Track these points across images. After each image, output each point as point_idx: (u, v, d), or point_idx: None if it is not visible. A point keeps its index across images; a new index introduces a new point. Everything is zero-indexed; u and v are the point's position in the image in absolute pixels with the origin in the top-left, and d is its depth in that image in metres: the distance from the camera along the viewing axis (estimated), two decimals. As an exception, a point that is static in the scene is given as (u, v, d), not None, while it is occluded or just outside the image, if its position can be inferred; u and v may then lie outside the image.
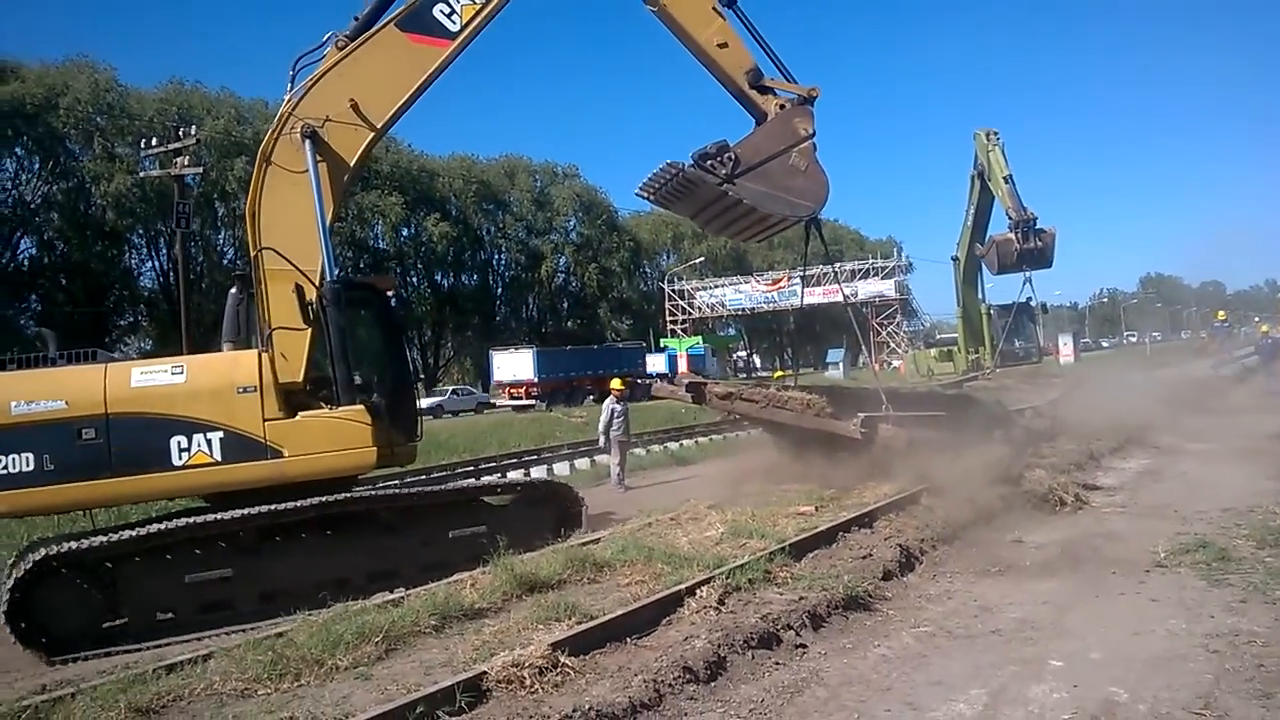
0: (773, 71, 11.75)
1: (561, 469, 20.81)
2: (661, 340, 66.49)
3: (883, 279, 65.35)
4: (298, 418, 9.28)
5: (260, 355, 9.40)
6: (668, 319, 70.93)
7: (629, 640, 6.29)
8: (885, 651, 6.46)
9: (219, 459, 8.96)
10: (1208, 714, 5.04)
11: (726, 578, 7.30)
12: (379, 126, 10.26)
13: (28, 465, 8.56)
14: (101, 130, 46.13)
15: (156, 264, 54.23)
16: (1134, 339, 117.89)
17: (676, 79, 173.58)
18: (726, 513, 10.07)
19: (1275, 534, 8.79)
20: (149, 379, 9.06)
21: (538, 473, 19.62)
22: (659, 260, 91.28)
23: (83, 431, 8.69)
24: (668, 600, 6.91)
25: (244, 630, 7.67)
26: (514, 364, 48.55)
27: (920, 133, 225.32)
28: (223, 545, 8.83)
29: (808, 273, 69.07)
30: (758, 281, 71.75)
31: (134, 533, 8.55)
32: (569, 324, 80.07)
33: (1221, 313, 45.70)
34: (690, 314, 70.66)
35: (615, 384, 19.17)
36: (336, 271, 9.99)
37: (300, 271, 9.50)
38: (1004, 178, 23.31)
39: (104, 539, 8.48)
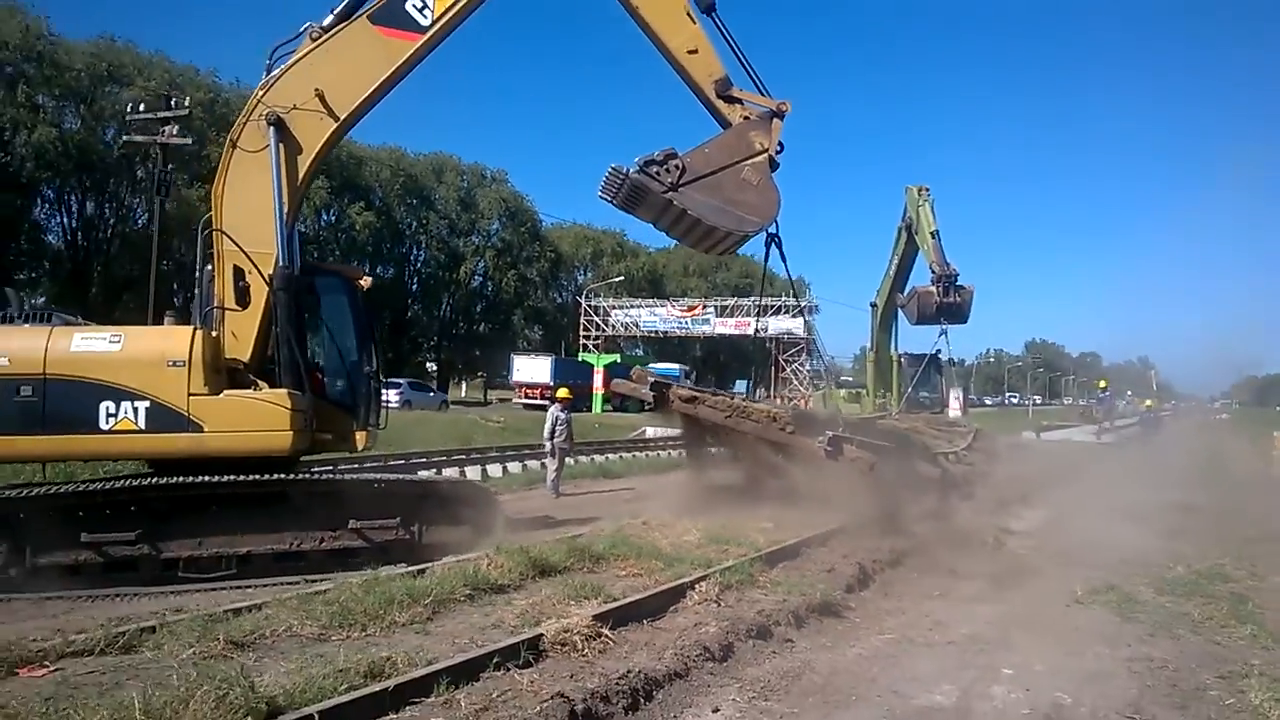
0: (746, 83, 11.82)
1: (494, 470, 21.36)
2: (580, 354, 67.32)
3: (791, 317, 67.31)
4: (222, 395, 9.65)
5: (195, 331, 9.80)
6: (581, 333, 71.59)
7: (646, 622, 7.13)
8: (861, 651, 7.45)
9: (143, 427, 9.36)
10: (1138, 717, 6.14)
11: (720, 576, 8.21)
12: (343, 117, 10.55)
13: None
14: (27, 79, 44.42)
15: (65, 221, 52.38)
16: (1015, 400, 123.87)
17: (616, 93, 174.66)
18: (698, 521, 10.93)
19: (1170, 584, 10.17)
20: (87, 345, 9.51)
21: (472, 473, 20.18)
22: (575, 274, 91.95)
23: (20, 388, 9.16)
24: (674, 591, 7.79)
25: (150, 593, 8.68)
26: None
27: (830, 182, 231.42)
28: (132, 510, 9.27)
29: (721, 303, 71.37)
30: (673, 306, 73.12)
31: (42, 490, 9.25)
32: (481, 328, 79.91)
33: (1103, 381, 48.69)
34: (604, 331, 71.49)
35: (561, 392, 19.82)
36: (297, 259, 10.49)
37: (247, 255, 9.97)
38: (931, 232, 24.12)
39: (12, 492, 9.10)
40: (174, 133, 31.52)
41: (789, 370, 67.46)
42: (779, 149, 11.57)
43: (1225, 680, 6.92)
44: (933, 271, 24.04)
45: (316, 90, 10.30)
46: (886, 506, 12.31)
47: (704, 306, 71.45)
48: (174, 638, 5.86)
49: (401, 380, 51.75)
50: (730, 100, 11.58)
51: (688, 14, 11.37)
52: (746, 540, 10.09)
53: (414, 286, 76.16)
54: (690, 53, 11.43)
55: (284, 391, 9.83)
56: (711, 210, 11.08)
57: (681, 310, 71.63)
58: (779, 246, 12.69)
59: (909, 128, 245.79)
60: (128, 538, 9.13)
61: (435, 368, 78.49)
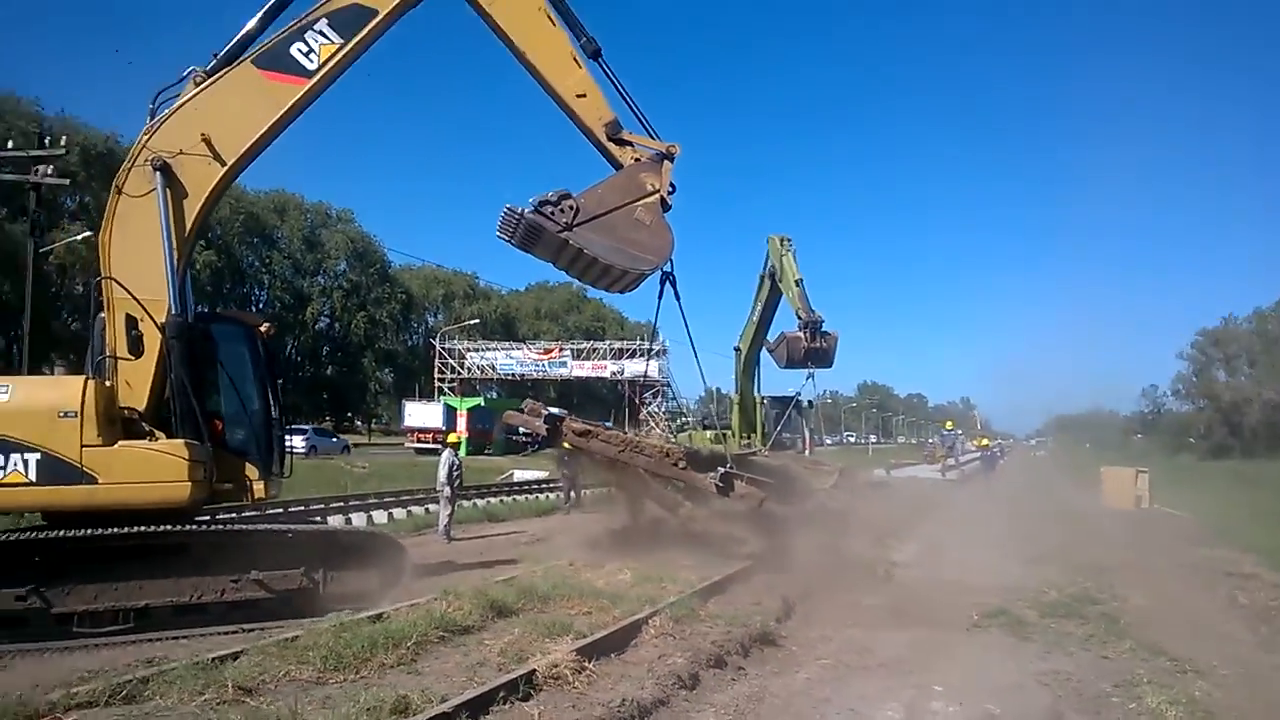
0: (635, 125, 11.95)
1: (380, 517, 21.06)
2: (441, 397, 66.42)
3: (646, 360, 68.76)
4: (116, 446, 9.36)
5: (86, 381, 9.53)
6: (436, 376, 70.74)
7: (614, 655, 7.53)
8: (808, 676, 8.07)
9: (34, 480, 9.06)
10: (1060, 722, 6.99)
11: (670, 611, 8.69)
12: (231, 162, 10.34)
13: None
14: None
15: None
16: (853, 439, 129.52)
17: (468, 134, 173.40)
18: (626, 562, 11.36)
19: (1049, 607, 11.29)
20: None
21: (358, 520, 19.85)
22: (426, 316, 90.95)
23: None
24: (632, 626, 8.20)
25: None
26: (425, 413, 58.66)
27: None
28: (22, 564, 8.96)
29: (578, 346, 72.03)
30: (530, 349, 73.32)
31: None
32: (329, 371, 77.77)
33: (950, 422, 51.83)
34: (459, 373, 70.88)
35: (452, 437, 19.86)
36: (191, 306, 10.42)
37: (139, 303, 9.78)
38: (796, 280, 24.81)
39: None
40: (49, 173, 29.84)
41: (645, 411, 68.62)
42: (671, 189, 11.73)
43: (1121, 689, 7.88)
44: (799, 318, 24.67)
45: (203, 135, 10.12)
46: (781, 542, 12.97)
47: (561, 349, 71.96)
48: (177, 686, 5.87)
49: (307, 426, 52.73)
50: (621, 143, 11.74)
51: (575, 59, 11.56)
52: (679, 578, 10.61)
53: (257, 328, 73.47)
54: (579, 97, 11.61)
55: (181, 442, 9.58)
56: (606, 250, 11.21)
57: (538, 353, 71.91)
58: (673, 285, 12.89)
59: (747, 172, 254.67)
60: (18, 593, 8.77)
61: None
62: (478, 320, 78.48)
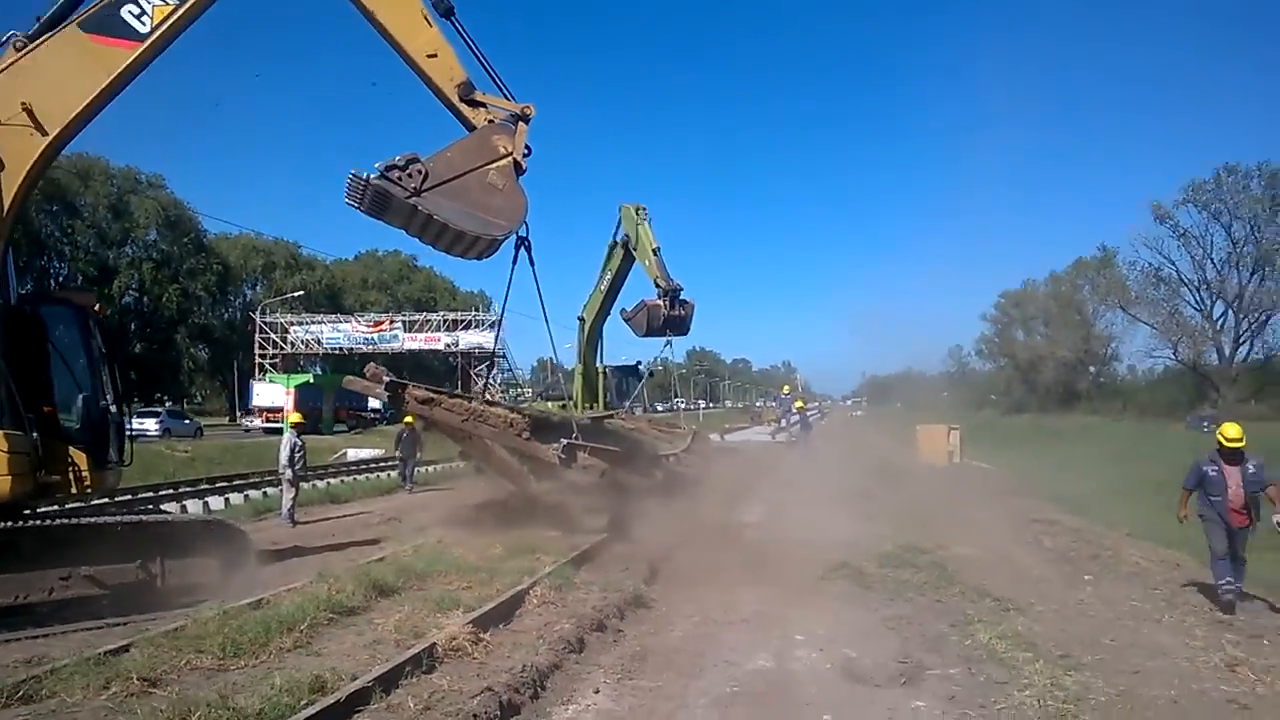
0: (490, 87, 11.67)
1: (216, 503, 20.39)
2: (269, 375, 63.67)
3: (482, 331, 68.28)
4: None
5: None
6: (257, 352, 67.80)
7: (503, 625, 7.88)
8: (680, 633, 8.66)
9: None
10: (909, 661, 7.78)
11: (549, 580, 9.08)
12: (55, 133, 9.76)
13: None
14: None
15: None
16: (683, 404, 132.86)
17: (287, 90, 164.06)
18: (493, 537, 11.63)
19: (887, 558, 12.31)
20: None
21: (193, 506, 19.19)
22: (245, 289, 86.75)
23: None
24: (516, 597, 8.55)
25: None
26: (271, 392, 57.04)
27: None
28: None
29: (409, 318, 70.58)
30: (358, 322, 71.19)
31: None
32: (137, 348, 73.00)
33: (786, 387, 53.77)
34: (282, 349, 68.19)
35: (295, 417, 19.42)
36: (14, 288, 9.93)
37: None
38: (653, 249, 24.88)
39: None
40: None
41: (480, 384, 68.20)
42: (526, 152, 11.52)
43: (956, 628, 8.85)
44: (658, 286, 24.77)
45: (24, 104, 9.49)
46: (637, 508, 13.53)
47: (391, 322, 70.28)
48: (74, 682, 5.81)
49: (160, 409, 52.46)
50: (474, 104, 11.43)
51: (425, 17, 11.21)
52: (549, 549, 11.00)
53: (57, 303, 68.22)
54: (430, 56, 11.25)
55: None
56: (458, 215, 10.95)
57: (368, 326, 69.95)
58: (528, 250, 12.85)
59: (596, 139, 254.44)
60: None
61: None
62: (301, 292, 75.52)
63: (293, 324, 69.27)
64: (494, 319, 69.39)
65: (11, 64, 9.58)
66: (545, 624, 7.99)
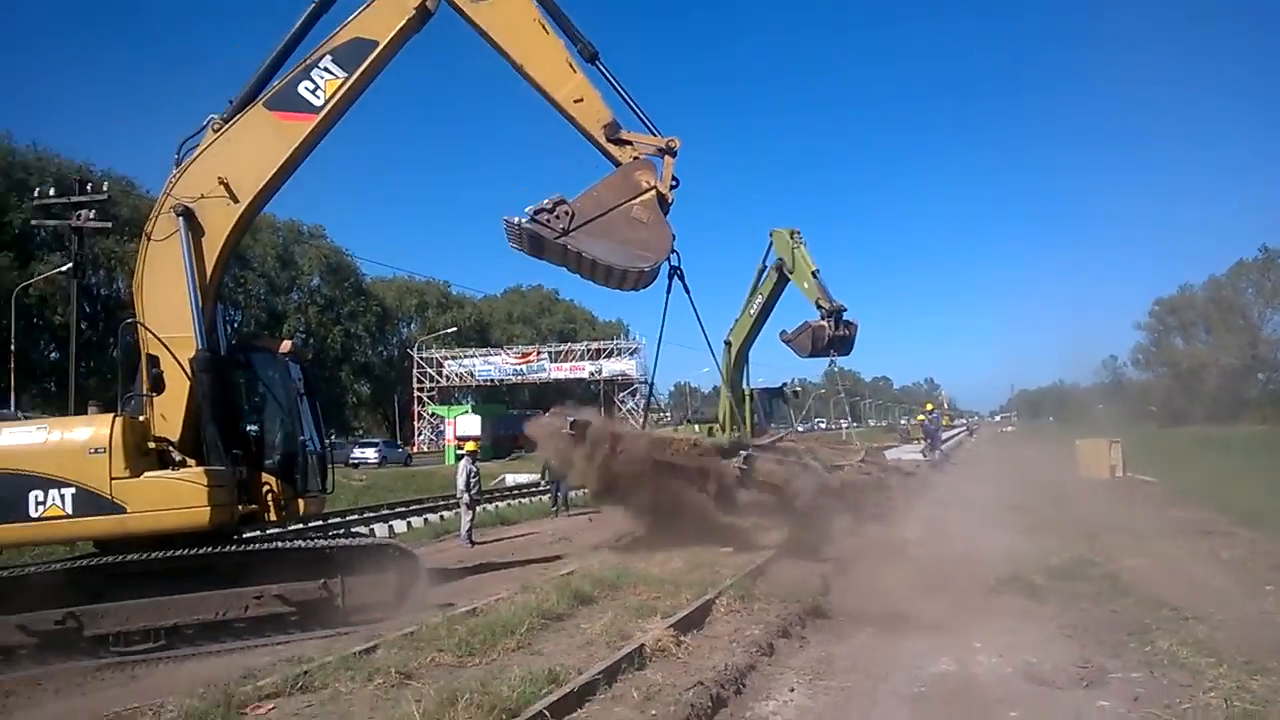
0: (635, 124, 12.19)
1: (399, 527, 21.88)
2: (431, 408, 67.33)
3: (623, 358, 69.79)
4: (143, 477, 10.09)
5: (114, 419, 10.23)
6: (415, 386, 71.30)
7: (696, 630, 8.53)
8: (862, 641, 9.14)
9: (70, 512, 9.85)
10: (1089, 666, 8.00)
11: (732, 591, 9.71)
12: (247, 201, 11.10)
13: None
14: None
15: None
16: (823, 425, 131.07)
17: (431, 141, 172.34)
18: (671, 553, 12.33)
19: (1055, 570, 12.40)
20: (14, 438, 10.18)
21: (380, 530, 20.63)
22: (400, 327, 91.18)
23: None
24: (704, 606, 9.21)
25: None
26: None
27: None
28: (59, 590, 9.70)
29: (554, 349, 72.73)
30: (508, 354, 74.03)
31: None
32: (306, 386, 77.70)
33: (930, 405, 52.77)
34: (438, 382, 71.49)
35: (470, 445, 20.72)
36: (221, 340, 11.27)
37: (162, 343, 10.58)
38: (813, 272, 24.99)
39: None
40: (90, 216, 30.79)
41: (624, 410, 69.60)
42: (673, 184, 11.95)
43: (1134, 636, 8.97)
44: (821, 308, 24.73)
45: (220, 178, 10.83)
46: (804, 524, 14.00)
47: (539, 353, 72.77)
48: (343, 675, 6.80)
49: (378, 440, 59.71)
50: (620, 143, 11.93)
51: (570, 65, 11.80)
52: (725, 563, 11.62)
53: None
54: (577, 101, 11.80)
55: (202, 470, 10.28)
56: (605, 250, 11.48)
57: (516, 358, 72.66)
58: (682, 279, 13.43)
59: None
60: (55, 616, 9.55)
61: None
62: (454, 329, 79.02)
63: (447, 359, 72.48)
64: (633, 346, 70.87)
65: (210, 144, 11.01)
66: (735, 629, 8.62)
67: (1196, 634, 8.87)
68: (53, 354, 55.69)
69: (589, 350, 71.74)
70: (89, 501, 9.84)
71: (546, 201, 11.41)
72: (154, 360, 10.58)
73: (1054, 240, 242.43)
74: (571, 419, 14.09)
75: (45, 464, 9.83)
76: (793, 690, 7.32)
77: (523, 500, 28.25)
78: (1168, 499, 23.30)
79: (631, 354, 70.57)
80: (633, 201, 11.57)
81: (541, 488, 29.26)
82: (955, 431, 41.96)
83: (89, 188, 32.95)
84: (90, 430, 10.17)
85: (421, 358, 71.90)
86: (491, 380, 72.66)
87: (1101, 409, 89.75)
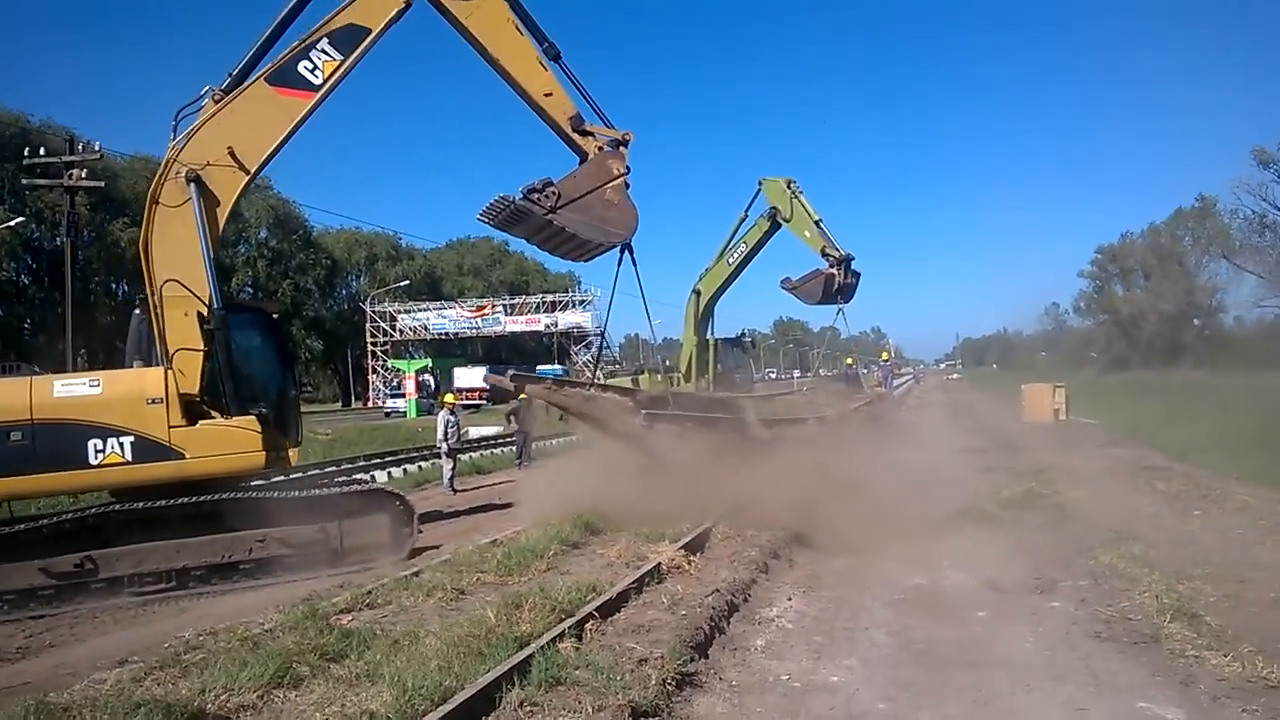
0: (593, 117, 13.33)
1: (380, 477, 22.57)
2: (383, 362, 67.54)
3: (578, 311, 70.54)
4: (198, 425, 10.83)
5: (166, 372, 10.88)
6: (368, 340, 71.34)
7: (699, 554, 9.59)
8: (842, 562, 10.26)
9: (129, 459, 10.47)
10: (1042, 578, 9.14)
11: (725, 523, 10.79)
12: (253, 170, 11.72)
13: None
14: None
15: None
16: (773, 375, 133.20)
17: (383, 93, 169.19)
18: (654, 496, 13.20)
19: (1008, 502, 13.67)
20: (68, 390, 10.62)
21: (364, 479, 21.34)
22: (349, 280, 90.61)
23: (10, 434, 10.24)
24: (703, 534, 10.30)
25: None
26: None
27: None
28: (77, 536, 10.40)
29: (509, 301, 73.13)
30: (462, 307, 74.20)
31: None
32: (256, 340, 77.18)
33: (885, 354, 54.44)
34: (392, 336, 71.60)
35: (448, 398, 21.46)
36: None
37: (198, 299, 11.11)
38: (815, 220, 25.45)
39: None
40: (82, 176, 30.69)
41: (580, 361, 70.53)
42: (626, 170, 13.17)
43: (1080, 553, 10.21)
44: (827, 256, 25.27)
45: (228, 148, 11.39)
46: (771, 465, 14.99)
47: (493, 306, 73.14)
48: (403, 593, 7.73)
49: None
50: (584, 134, 13.16)
51: (540, 63, 12.90)
52: (706, 501, 12.58)
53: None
54: (546, 95, 12.95)
55: (251, 417, 11.07)
56: (584, 227, 12.79)
57: (471, 311, 72.90)
58: (631, 253, 14.30)
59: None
60: (74, 560, 10.21)
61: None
62: (406, 282, 78.87)
63: (400, 313, 72.48)
64: (588, 298, 71.52)
65: (215, 114, 11.51)
66: (734, 553, 9.71)
67: (1134, 551, 10.11)
68: (-2, 312, 54.75)
69: (544, 303, 72.24)
70: (148, 449, 10.47)
71: (537, 182, 12.43)
72: (200, 317, 11.03)
73: (1002, 193, 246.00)
74: (511, 372, 15.03)
75: (104, 414, 10.37)
76: (790, 599, 8.43)
77: (495, 451, 29.00)
78: (1108, 439, 24.88)
79: (585, 305, 71.32)
80: (606, 185, 12.79)
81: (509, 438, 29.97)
82: (903, 379, 43.87)
83: (81, 147, 32.85)
84: (145, 382, 10.79)
85: (374, 311, 71.79)
86: (446, 334, 72.92)
87: (1044, 356, 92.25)
